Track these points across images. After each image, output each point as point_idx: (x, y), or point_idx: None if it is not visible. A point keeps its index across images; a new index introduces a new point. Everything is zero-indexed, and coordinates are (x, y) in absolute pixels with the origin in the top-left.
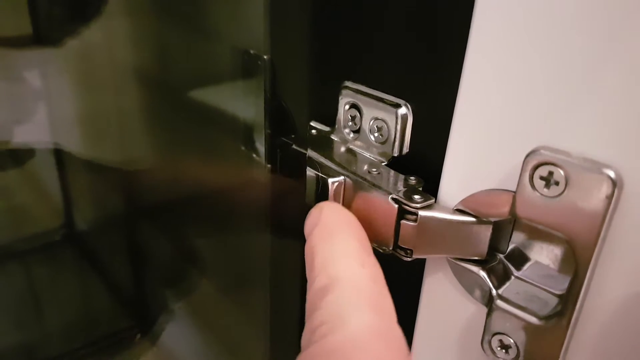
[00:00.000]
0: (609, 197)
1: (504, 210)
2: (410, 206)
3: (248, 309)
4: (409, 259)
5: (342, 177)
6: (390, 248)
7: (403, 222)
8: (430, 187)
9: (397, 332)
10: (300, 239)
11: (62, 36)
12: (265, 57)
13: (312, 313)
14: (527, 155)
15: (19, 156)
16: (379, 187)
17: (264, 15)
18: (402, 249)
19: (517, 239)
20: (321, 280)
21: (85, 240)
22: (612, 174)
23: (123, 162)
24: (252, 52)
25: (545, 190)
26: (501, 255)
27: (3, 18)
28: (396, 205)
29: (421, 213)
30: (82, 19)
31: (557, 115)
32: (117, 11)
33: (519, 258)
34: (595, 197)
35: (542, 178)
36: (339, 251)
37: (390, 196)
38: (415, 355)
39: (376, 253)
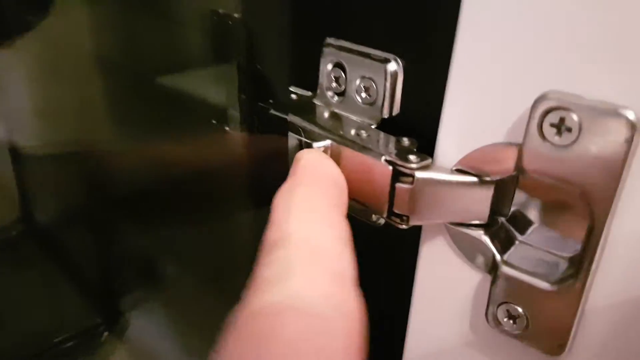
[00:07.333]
0: (629, 141)
1: (508, 166)
2: (406, 167)
3: (220, 299)
4: (404, 227)
5: (328, 142)
6: (385, 215)
7: (398, 185)
8: (425, 149)
9: (351, 299)
10: None
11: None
12: (236, 15)
13: (257, 269)
14: (536, 101)
15: None
16: (369, 150)
17: None
18: (397, 215)
19: (519, 200)
20: (274, 234)
21: (46, 235)
22: (631, 115)
23: (85, 148)
24: (221, 11)
25: (557, 138)
26: (503, 219)
27: None
28: (390, 167)
29: (417, 174)
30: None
31: (565, 56)
32: None
33: (522, 222)
34: (612, 142)
35: (552, 125)
36: (297, 205)
37: (383, 158)
38: (412, 333)
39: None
